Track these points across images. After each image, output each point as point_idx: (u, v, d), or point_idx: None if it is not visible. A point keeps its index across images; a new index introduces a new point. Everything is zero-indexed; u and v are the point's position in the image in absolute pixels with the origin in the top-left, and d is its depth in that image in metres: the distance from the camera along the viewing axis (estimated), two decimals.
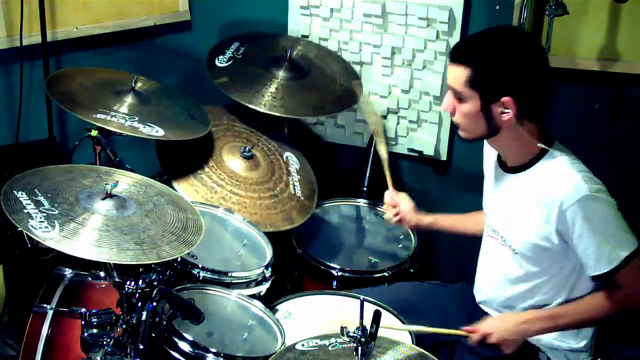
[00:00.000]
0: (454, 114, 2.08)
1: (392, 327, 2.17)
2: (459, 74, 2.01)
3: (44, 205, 1.90)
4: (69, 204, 1.95)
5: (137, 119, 2.51)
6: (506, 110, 2.00)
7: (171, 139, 2.54)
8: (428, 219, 2.51)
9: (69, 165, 2.20)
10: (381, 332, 1.68)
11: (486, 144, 2.29)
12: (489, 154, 2.27)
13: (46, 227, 1.84)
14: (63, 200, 1.95)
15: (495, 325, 2.13)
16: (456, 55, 2.04)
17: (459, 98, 2.04)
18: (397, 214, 2.50)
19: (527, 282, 2.14)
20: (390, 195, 2.53)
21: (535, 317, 2.11)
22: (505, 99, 1.98)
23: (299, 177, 2.88)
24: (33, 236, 1.81)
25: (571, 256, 2.06)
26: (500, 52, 2.00)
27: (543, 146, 2.06)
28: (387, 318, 2.22)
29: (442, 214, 2.55)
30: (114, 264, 2.13)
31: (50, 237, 1.82)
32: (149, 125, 2.50)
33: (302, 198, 2.80)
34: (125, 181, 2.14)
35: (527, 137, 2.05)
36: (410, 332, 2.17)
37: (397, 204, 2.51)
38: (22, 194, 1.92)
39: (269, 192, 2.74)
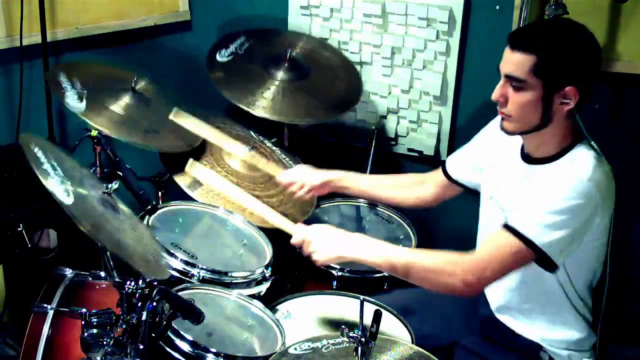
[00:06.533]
0: (506, 104, 2.02)
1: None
2: (522, 61, 1.95)
3: (58, 172, 1.92)
4: (78, 181, 1.98)
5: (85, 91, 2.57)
6: (566, 100, 1.97)
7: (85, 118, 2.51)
8: (332, 176, 2.51)
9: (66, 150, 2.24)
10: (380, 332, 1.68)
11: (492, 129, 2.26)
12: (510, 143, 2.19)
13: (65, 192, 1.86)
14: (72, 176, 1.98)
15: (319, 234, 2.11)
16: (520, 42, 1.97)
17: (517, 87, 1.98)
18: (301, 187, 2.49)
19: (538, 274, 2.11)
20: (283, 174, 2.53)
21: (361, 244, 2.11)
22: (569, 88, 1.95)
23: (277, 148, 2.92)
24: (52, 195, 1.82)
25: (574, 252, 2.03)
26: (567, 41, 1.97)
27: (579, 137, 2.04)
28: (387, 319, 2.22)
29: (345, 172, 2.54)
30: (113, 264, 2.13)
31: (68, 201, 1.84)
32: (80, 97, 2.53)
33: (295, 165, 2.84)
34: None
35: (567, 130, 2.03)
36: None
37: (292, 179, 2.50)
38: (38, 150, 1.93)
39: None
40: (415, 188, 2.52)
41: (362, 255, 2.09)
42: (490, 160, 2.28)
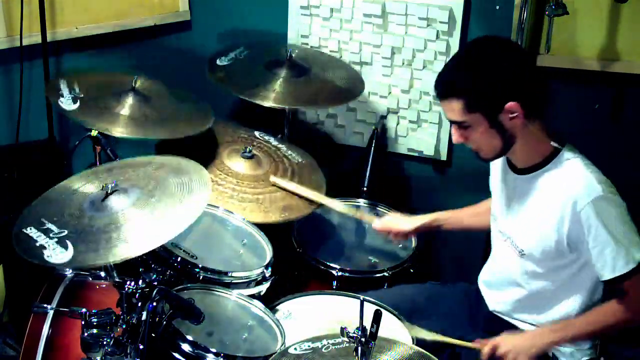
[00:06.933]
0: (468, 142, 2.07)
1: (409, 332, 2.16)
2: (454, 107, 2.01)
3: (53, 231, 1.90)
4: (76, 218, 1.95)
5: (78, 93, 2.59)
6: (513, 114, 1.99)
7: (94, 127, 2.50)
8: (425, 220, 2.51)
9: (67, 180, 2.17)
10: (382, 333, 1.68)
11: None
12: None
13: (61, 252, 1.84)
14: (69, 217, 1.95)
15: (507, 338, 2.11)
16: (442, 93, 2.04)
17: (464, 127, 2.03)
18: (396, 235, 2.53)
19: (531, 285, 2.14)
20: (378, 222, 2.57)
21: (546, 330, 2.11)
22: (508, 104, 1.97)
23: (283, 145, 2.93)
24: (52, 265, 1.83)
25: (578, 260, 2.05)
26: (483, 66, 2.00)
27: (556, 145, 2.06)
28: (387, 319, 2.22)
29: (438, 212, 2.54)
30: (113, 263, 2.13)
31: (66, 259, 1.83)
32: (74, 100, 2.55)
33: (302, 161, 2.88)
34: (123, 170, 2.14)
35: (538, 136, 2.05)
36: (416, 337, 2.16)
37: (388, 227, 2.53)
38: (30, 229, 1.92)
39: (290, 172, 2.79)
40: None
41: (556, 343, 2.12)
42: (493, 173, 2.34)
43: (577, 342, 2.13)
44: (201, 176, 2.08)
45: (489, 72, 1.99)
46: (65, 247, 1.85)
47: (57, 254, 1.84)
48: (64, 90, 2.58)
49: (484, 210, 2.45)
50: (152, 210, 1.95)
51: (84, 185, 2.09)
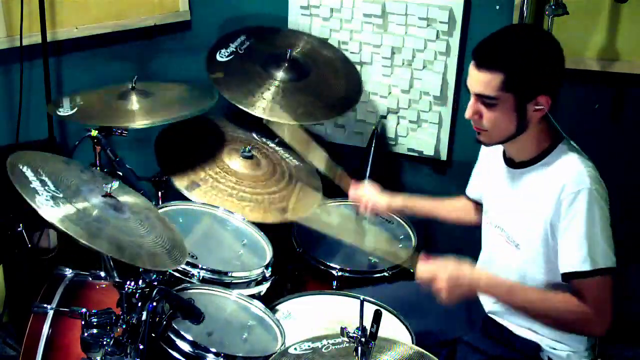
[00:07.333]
0: (480, 120, 2.03)
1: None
2: (490, 80, 1.95)
3: (49, 186, 1.88)
4: (72, 191, 1.94)
5: None
6: (539, 107, 1.98)
7: None
8: (399, 200, 2.52)
9: (65, 157, 2.18)
10: (381, 332, 1.68)
11: None
12: (491, 150, 2.26)
13: (53, 207, 1.82)
14: (66, 187, 1.94)
15: (447, 274, 2.04)
16: (486, 61, 1.96)
17: (490, 104, 1.99)
18: (365, 205, 2.52)
19: (527, 282, 2.13)
20: (352, 191, 2.56)
21: (489, 284, 2.08)
22: (541, 96, 1.96)
23: (280, 148, 2.93)
24: (39, 211, 1.78)
25: None
26: (532, 53, 1.97)
27: (554, 139, 2.06)
28: (387, 318, 2.22)
29: (415, 195, 2.55)
30: (113, 263, 2.13)
31: (55, 217, 1.80)
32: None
33: (300, 164, 2.88)
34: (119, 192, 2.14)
35: (541, 132, 2.05)
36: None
37: (360, 197, 2.53)
38: (27, 169, 1.89)
39: (287, 175, 2.79)
40: (465, 212, 2.52)
41: (493, 296, 2.14)
42: (485, 170, 2.34)
43: (510, 307, 2.11)
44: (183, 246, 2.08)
45: (540, 60, 1.96)
46: (58, 206, 1.84)
47: (49, 207, 1.81)
48: (65, 103, 2.58)
49: (461, 205, 2.48)
50: (137, 234, 1.95)
51: (81, 172, 2.10)
